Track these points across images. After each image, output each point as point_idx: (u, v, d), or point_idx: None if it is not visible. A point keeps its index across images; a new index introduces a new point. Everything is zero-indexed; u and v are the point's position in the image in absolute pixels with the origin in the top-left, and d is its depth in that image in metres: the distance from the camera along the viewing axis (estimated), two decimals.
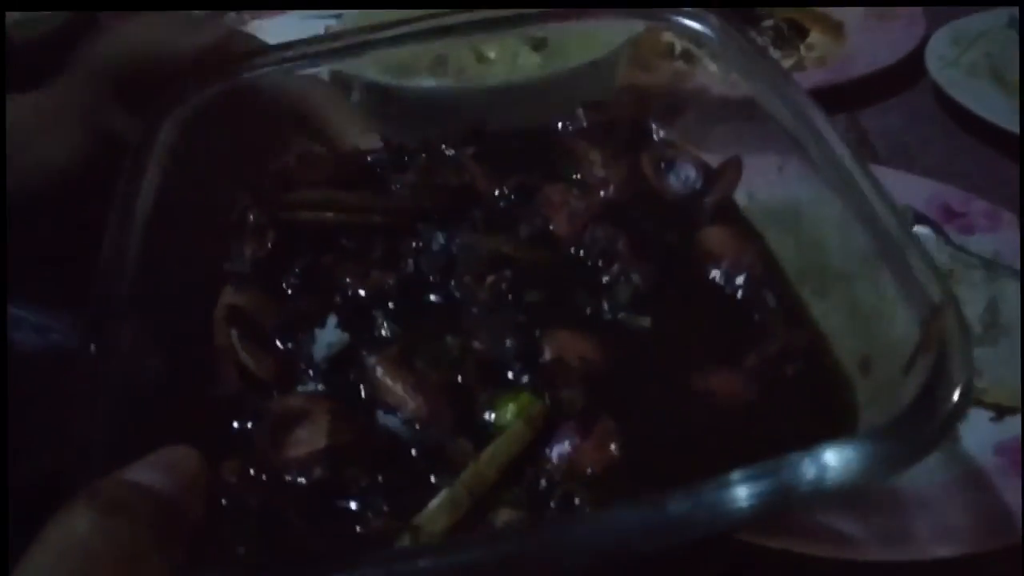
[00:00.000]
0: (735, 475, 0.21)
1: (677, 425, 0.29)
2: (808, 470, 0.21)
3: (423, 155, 0.42)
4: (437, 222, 0.37)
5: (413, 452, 0.29)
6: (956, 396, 0.22)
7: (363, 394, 0.31)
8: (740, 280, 0.33)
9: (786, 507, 0.22)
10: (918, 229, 0.48)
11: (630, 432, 0.28)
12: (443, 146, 0.43)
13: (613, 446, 0.28)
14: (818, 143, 0.31)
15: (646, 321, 0.33)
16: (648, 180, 0.39)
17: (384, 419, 0.30)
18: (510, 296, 0.34)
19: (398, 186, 0.40)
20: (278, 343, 0.33)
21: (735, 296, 0.33)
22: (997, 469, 0.36)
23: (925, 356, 0.24)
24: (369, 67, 0.54)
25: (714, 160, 0.38)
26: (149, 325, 0.30)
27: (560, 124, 0.42)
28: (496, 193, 0.40)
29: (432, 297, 0.35)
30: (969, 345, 0.23)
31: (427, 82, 0.59)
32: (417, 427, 0.29)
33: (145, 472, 0.21)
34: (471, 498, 0.27)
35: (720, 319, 0.32)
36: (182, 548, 0.21)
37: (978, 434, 0.38)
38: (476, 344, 0.32)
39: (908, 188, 0.52)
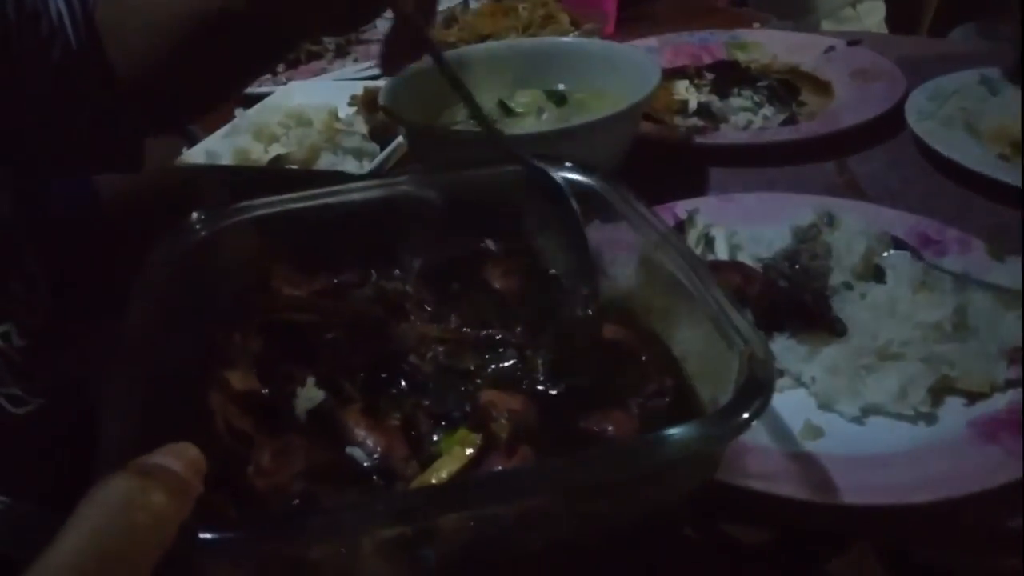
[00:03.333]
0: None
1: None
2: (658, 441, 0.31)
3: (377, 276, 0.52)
4: (387, 321, 0.47)
5: (375, 477, 0.37)
6: (757, 401, 0.32)
7: (335, 437, 0.39)
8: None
9: (649, 464, 0.31)
10: (894, 252, 0.58)
11: (544, 456, 0.37)
12: (395, 271, 0.53)
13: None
14: (669, 253, 0.43)
15: (561, 387, 0.42)
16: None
17: (351, 451, 0.37)
18: (449, 367, 0.43)
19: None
20: (261, 404, 0.41)
21: (624, 357, 0.43)
22: (968, 438, 0.46)
23: (743, 373, 0.34)
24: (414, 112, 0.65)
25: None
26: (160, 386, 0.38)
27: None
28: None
29: (386, 375, 0.44)
30: (770, 365, 0.34)
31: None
32: (376, 457, 0.37)
33: (161, 456, 0.28)
34: None
35: (613, 374, 0.42)
36: (189, 513, 0.27)
37: (954, 414, 0.48)
38: (425, 402, 0.41)
39: (891, 220, 0.62)
